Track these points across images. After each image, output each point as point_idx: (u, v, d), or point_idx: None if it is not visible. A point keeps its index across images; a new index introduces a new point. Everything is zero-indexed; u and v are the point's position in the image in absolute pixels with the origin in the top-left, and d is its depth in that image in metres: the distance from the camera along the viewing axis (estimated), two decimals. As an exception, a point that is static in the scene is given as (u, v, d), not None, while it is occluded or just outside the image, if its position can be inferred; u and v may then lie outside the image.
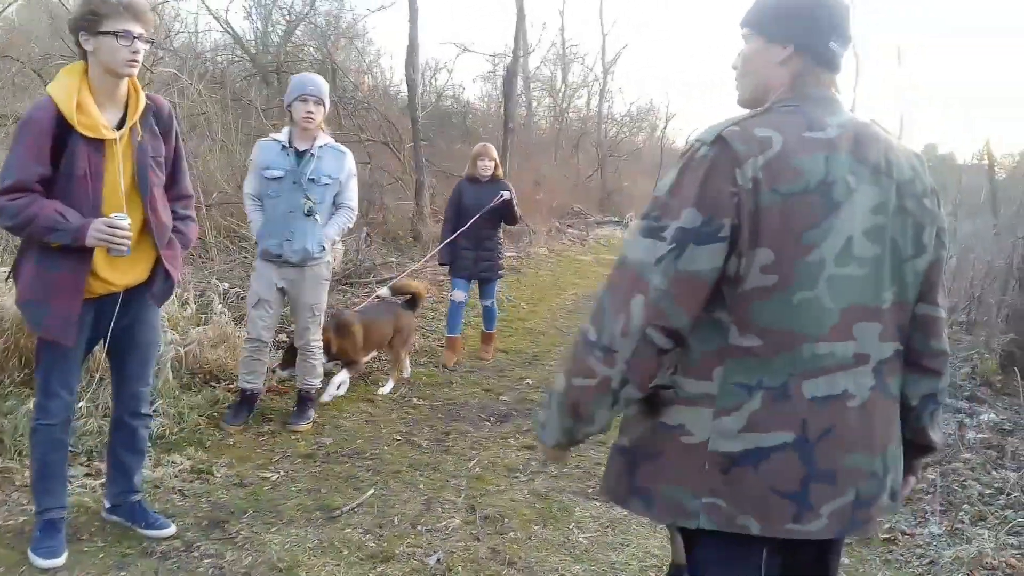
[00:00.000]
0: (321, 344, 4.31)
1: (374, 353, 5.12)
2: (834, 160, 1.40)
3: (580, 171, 19.81)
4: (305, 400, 4.33)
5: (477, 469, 3.89)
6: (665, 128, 24.87)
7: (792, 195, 1.37)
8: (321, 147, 4.06)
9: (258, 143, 4.20)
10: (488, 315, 6.16)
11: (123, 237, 2.51)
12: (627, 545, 3.19)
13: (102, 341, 2.78)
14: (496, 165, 5.89)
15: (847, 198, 1.40)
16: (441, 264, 6.08)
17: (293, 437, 4.12)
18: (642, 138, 26.17)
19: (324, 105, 4.03)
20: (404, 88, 11.80)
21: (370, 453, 4.00)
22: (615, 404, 1.43)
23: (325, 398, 4.57)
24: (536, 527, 3.31)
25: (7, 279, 2.77)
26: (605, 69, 24.43)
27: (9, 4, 7.95)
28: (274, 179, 4.03)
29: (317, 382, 4.36)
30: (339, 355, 4.68)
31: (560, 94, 23.22)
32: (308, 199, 4.01)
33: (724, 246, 1.36)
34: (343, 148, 4.20)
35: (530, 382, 5.57)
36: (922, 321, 1.56)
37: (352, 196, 4.23)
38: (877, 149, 1.46)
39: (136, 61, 2.54)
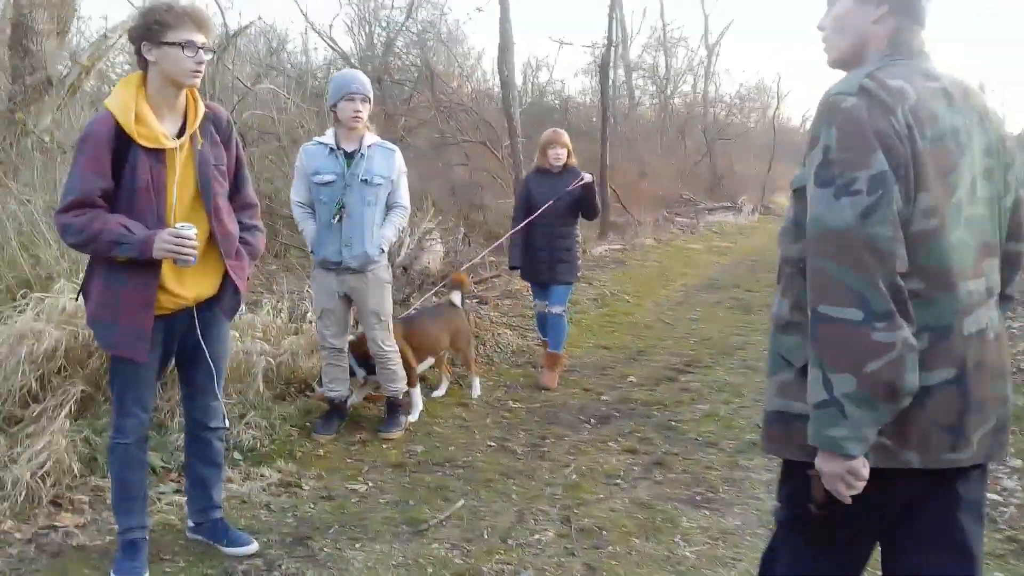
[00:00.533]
0: (396, 348, 4.15)
1: (431, 360, 4.69)
2: (954, 107, 1.49)
3: (687, 158, 19.14)
4: (395, 407, 4.20)
5: (574, 476, 3.64)
6: (778, 107, 23.81)
7: (936, 140, 1.44)
8: (370, 147, 3.93)
9: (303, 148, 4.06)
10: (556, 328, 5.13)
11: (190, 247, 2.44)
12: (740, 560, 2.86)
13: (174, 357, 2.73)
14: (569, 152, 5.13)
15: (968, 142, 1.49)
16: (512, 268, 5.41)
17: (384, 446, 4.00)
18: (754, 119, 25.14)
19: (370, 102, 3.91)
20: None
21: (462, 461, 3.82)
22: (917, 360, 1.41)
23: (413, 417, 4.34)
24: (637, 540, 3.03)
25: (76, 298, 2.76)
26: (709, 50, 23.63)
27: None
28: (325, 184, 3.89)
29: (402, 385, 4.21)
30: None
31: (664, 80, 22.54)
32: (339, 202, 3.86)
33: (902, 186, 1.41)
34: (391, 145, 4.06)
35: (633, 379, 5.26)
36: (1012, 256, 1.66)
37: (404, 194, 4.08)
38: (978, 97, 1.56)
39: (199, 71, 2.49)
